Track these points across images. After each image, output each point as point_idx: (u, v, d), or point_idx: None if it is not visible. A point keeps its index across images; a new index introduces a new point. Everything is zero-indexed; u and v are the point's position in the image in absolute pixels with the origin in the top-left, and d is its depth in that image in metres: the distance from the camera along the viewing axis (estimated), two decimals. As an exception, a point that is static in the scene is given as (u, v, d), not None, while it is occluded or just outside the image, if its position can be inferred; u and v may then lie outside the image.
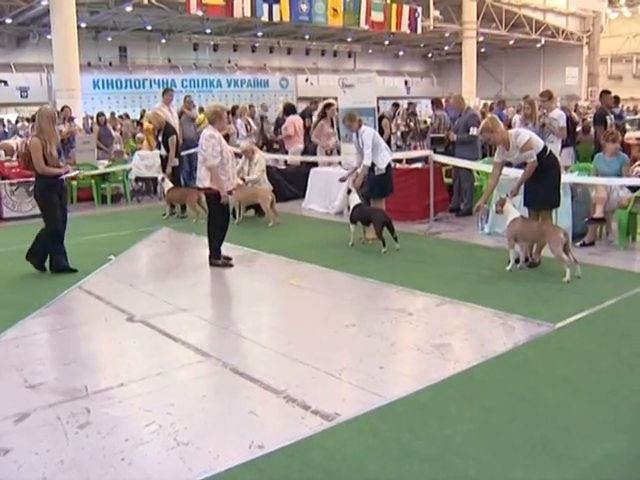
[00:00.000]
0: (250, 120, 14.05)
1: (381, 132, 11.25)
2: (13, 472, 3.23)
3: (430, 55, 43.13)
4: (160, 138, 10.51)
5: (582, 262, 6.60)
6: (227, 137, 13.08)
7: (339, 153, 11.24)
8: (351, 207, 8.12)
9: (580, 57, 36.68)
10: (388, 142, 11.42)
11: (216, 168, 7.02)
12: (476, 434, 3.50)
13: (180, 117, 12.40)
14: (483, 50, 36.68)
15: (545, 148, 6.75)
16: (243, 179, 9.98)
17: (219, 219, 7.33)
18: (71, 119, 13.27)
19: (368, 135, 8.16)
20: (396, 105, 19.11)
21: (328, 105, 11.94)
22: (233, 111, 14.19)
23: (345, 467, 3.20)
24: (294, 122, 12.35)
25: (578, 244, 7.60)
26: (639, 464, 3.21)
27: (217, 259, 7.29)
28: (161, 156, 10.69)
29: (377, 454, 3.31)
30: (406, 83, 39.57)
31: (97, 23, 27.51)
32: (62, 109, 13.18)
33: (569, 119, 9.88)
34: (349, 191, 8.29)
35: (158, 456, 3.36)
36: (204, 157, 7.06)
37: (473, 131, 9.54)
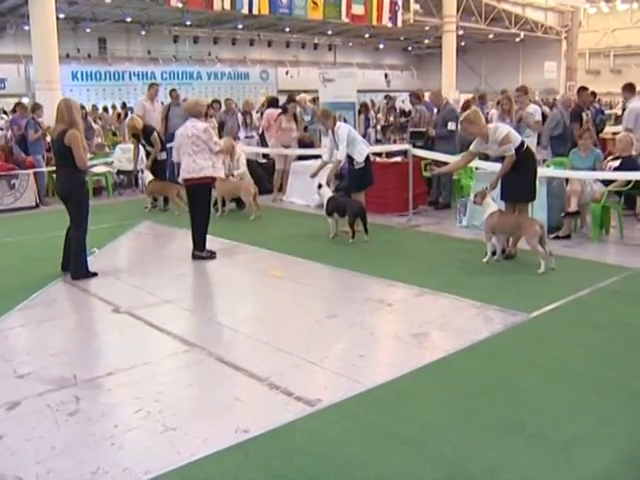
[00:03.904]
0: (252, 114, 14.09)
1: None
2: (7, 457, 3.34)
3: (410, 48, 43.25)
4: (143, 140, 10.56)
5: (557, 254, 6.80)
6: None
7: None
8: (325, 200, 8.28)
9: (559, 51, 37.00)
10: (364, 136, 11.53)
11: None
12: (452, 418, 3.67)
13: (168, 111, 12.41)
14: (463, 44, 36.89)
15: (522, 143, 6.92)
16: (232, 174, 10.08)
17: (207, 211, 7.52)
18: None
19: (344, 131, 8.30)
20: (387, 97, 19.01)
21: (290, 100, 11.94)
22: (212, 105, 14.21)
23: (327, 449, 3.35)
24: (269, 116, 12.37)
25: (552, 236, 7.80)
26: (604, 444, 3.38)
27: (203, 251, 7.39)
28: (148, 152, 10.70)
29: (357, 437, 3.46)
30: (386, 76, 39.70)
31: (76, 14, 27.21)
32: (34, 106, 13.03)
33: (543, 114, 10.07)
34: (320, 186, 8.44)
35: (147, 441, 3.49)
36: (209, 147, 7.32)
37: (451, 126, 9.72)
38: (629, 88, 10.15)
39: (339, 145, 8.23)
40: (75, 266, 6.68)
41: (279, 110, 11.90)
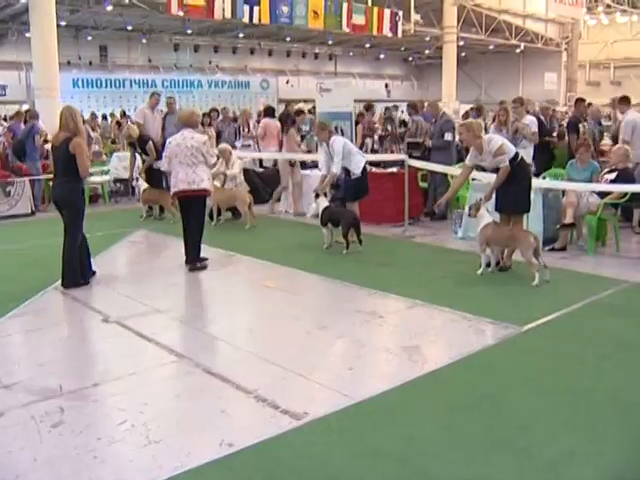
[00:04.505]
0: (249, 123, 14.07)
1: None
2: (-14, 470, 3.30)
3: (411, 59, 43.37)
4: (139, 149, 10.57)
5: (552, 266, 6.76)
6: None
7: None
8: (320, 210, 8.25)
9: (559, 63, 37.05)
10: (361, 147, 11.50)
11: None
12: (440, 433, 3.63)
13: (164, 119, 12.42)
14: (463, 54, 36.93)
15: (516, 154, 6.91)
16: (225, 174, 10.06)
17: (204, 221, 7.53)
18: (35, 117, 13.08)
19: (338, 145, 8.26)
20: (386, 108, 18.94)
21: (298, 112, 11.75)
22: (209, 114, 14.24)
23: (311, 464, 3.31)
24: (265, 125, 12.34)
25: (547, 249, 7.77)
26: (593, 461, 3.34)
27: (198, 261, 7.34)
28: (144, 161, 10.71)
29: (342, 452, 3.42)
30: (387, 86, 39.77)
31: (77, 22, 27.35)
32: (25, 111, 13.09)
33: (541, 125, 10.07)
34: (317, 195, 8.41)
35: (130, 454, 3.44)
36: (207, 159, 7.33)
37: (448, 136, 9.70)
38: (624, 101, 10.15)
39: (334, 158, 8.21)
40: (67, 274, 6.62)
41: (275, 120, 11.86)
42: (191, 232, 7.36)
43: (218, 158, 10.25)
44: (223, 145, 10.80)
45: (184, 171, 7.22)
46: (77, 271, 6.67)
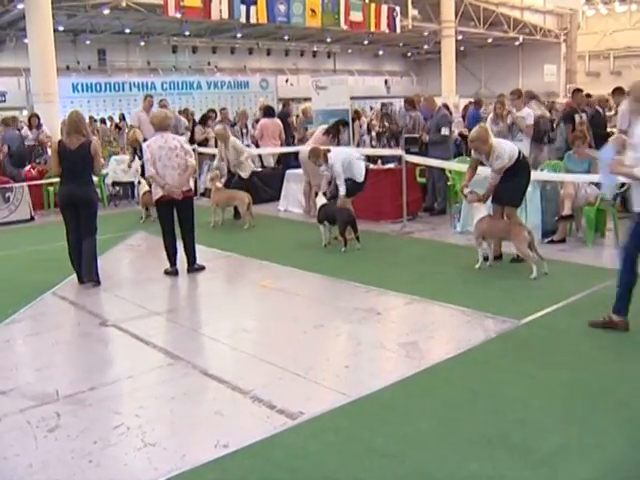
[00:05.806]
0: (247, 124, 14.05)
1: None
2: (-19, 476, 3.30)
3: (409, 54, 43.25)
4: (139, 152, 10.59)
5: (551, 259, 6.74)
6: (207, 140, 13.14)
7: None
8: (317, 207, 8.25)
9: (558, 54, 36.91)
10: (358, 144, 11.43)
11: None
12: (435, 429, 3.62)
13: None
14: (462, 48, 36.80)
15: (519, 152, 6.87)
16: (230, 172, 10.08)
17: (194, 222, 7.36)
18: (39, 126, 13.15)
19: (337, 164, 8.22)
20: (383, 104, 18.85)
21: (345, 124, 10.53)
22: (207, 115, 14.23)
23: (306, 464, 3.30)
24: (262, 126, 12.26)
25: (546, 241, 7.74)
26: (589, 455, 3.32)
27: (195, 262, 7.31)
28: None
29: (338, 451, 3.41)
30: (386, 82, 39.70)
31: (75, 26, 27.35)
32: (30, 117, 13.17)
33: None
34: (316, 193, 8.41)
35: (125, 457, 3.45)
36: (187, 160, 7.07)
37: (445, 131, 9.67)
38: (618, 91, 10.17)
39: (337, 180, 8.25)
40: (86, 270, 6.76)
41: (273, 120, 11.81)
42: (187, 235, 7.26)
43: (216, 145, 10.20)
44: (219, 127, 10.67)
45: (170, 175, 6.96)
46: (94, 268, 6.81)
